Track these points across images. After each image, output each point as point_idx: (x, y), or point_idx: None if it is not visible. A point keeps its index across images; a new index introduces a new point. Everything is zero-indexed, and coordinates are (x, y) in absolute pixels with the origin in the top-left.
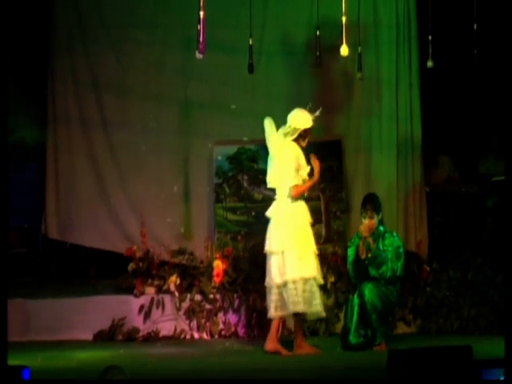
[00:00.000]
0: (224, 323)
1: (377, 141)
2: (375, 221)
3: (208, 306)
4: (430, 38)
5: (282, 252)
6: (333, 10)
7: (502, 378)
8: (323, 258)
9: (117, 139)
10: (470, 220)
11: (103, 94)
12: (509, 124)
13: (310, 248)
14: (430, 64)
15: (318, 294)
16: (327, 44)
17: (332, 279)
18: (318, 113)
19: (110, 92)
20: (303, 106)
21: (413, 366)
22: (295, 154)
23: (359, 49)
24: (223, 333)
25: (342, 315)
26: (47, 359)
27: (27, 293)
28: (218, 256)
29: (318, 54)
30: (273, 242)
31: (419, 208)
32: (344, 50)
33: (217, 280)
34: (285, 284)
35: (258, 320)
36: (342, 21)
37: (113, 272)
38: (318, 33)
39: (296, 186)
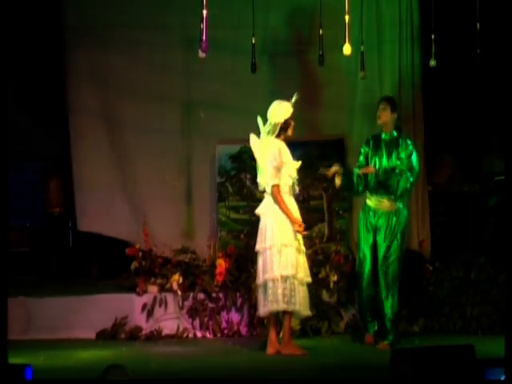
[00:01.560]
0: (227, 322)
1: None
2: (389, 112)
3: (211, 305)
4: (432, 37)
5: (265, 250)
6: (335, 8)
7: (502, 378)
8: (326, 257)
9: (119, 139)
10: (472, 219)
11: (105, 94)
12: (509, 123)
13: (291, 245)
14: (432, 63)
15: (298, 292)
16: (330, 43)
17: (335, 278)
18: (294, 98)
19: (113, 92)
20: (305, 104)
21: (415, 365)
22: (275, 152)
23: (362, 48)
24: (226, 331)
25: (344, 314)
26: (49, 358)
27: (29, 291)
28: (220, 255)
29: (320, 52)
30: (258, 241)
31: (422, 207)
32: (347, 49)
33: (219, 279)
34: (265, 282)
35: (260, 319)
36: (344, 20)
37: (115, 271)
38: (320, 32)
39: (275, 185)
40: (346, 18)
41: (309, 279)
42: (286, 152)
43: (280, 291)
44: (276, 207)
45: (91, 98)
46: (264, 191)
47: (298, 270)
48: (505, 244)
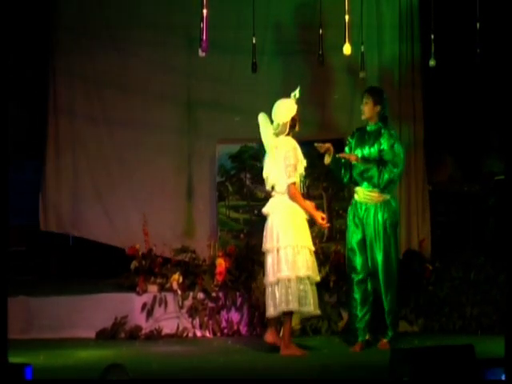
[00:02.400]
0: (226, 321)
1: None
2: (372, 106)
3: (210, 305)
4: (432, 37)
5: (277, 250)
6: (336, 8)
7: (502, 378)
8: (326, 257)
9: (119, 138)
10: (472, 219)
11: (106, 93)
12: (509, 123)
13: (305, 246)
14: (432, 63)
15: (311, 292)
16: (330, 43)
17: (334, 278)
18: (297, 94)
19: (113, 90)
20: (306, 104)
21: (415, 365)
22: (292, 150)
23: (362, 48)
24: (225, 331)
25: (344, 314)
26: (49, 357)
27: (29, 291)
28: (220, 254)
29: (320, 52)
30: (268, 239)
31: (422, 207)
32: (347, 49)
33: (219, 278)
34: (277, 282)
35: (260, 318)
36: (344, 20)
37: (115, 270)
38: (320, 31)
39: (294, 184)
40: (346, 17)
41: (318, 278)
42: (299, 150)
43: (294, 291)
44: (289, 206)
45: (87, 98)
46: (271, 190)
47: (310, 271)
48: (505, 244)
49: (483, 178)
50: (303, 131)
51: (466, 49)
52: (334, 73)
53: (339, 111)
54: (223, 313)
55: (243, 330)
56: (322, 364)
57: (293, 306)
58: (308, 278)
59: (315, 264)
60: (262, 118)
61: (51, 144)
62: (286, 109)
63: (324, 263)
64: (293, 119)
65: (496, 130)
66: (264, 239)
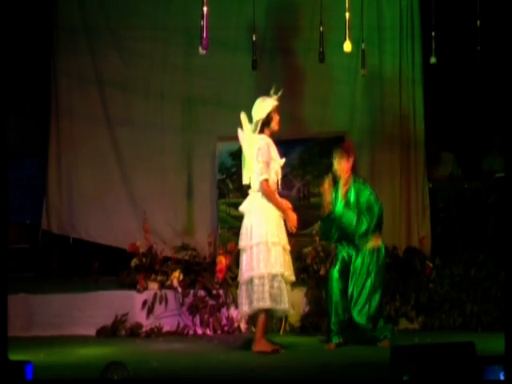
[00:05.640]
0: (227, 319)
1: (380, 137)
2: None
3: (211, 302)
4: (433, 34)
5: (251, 247)
6: (336, 6)
7: (501, 377)
8: (326, 254)
9: (120, 136)
10: (472, 216)
11: (107, 91)
12: (509, 120)
13: (278, 243)
14: (432, 60)
15: (286, 291)
16: (331, 40)
17: None
18: (275, 92)
19: (114, 89)
20: (306, 101)
21: (416, 362)
22: (264, 147)
23: (363, 45)
24: (226, 328)
25: None
26: (50, 354)
27: (30, 288)
28: (221, 252)
29: (321, 50)
30: (243, 237)
31: (422, 204)
32: (347, 47)
33: (220, 276)
34: (251, 280)
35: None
36: (345, 17)
37: (116, 268)
38: (321, 29)
39: (266, 180)
40: (347, 15)
41: (293, 278)
42: (273, 148)
43: (267, 289)
44: (262, 204)
45: (88, 97)
46: (249, 187)
47: (284, 269)
48: (505, 241)
49: (483, 176)
50: (303, 128)
51: (466, 46)
52: (334, 70)
53: (340, 109)
54: (224, 310)
55: (243, 327)
56: (322, 362)
57: (265, 303)
58: (282, 275)
59: (290, 263)
60: (242, 116)
61: (53, 143)
62: (263, 105)
63: (324, 260)
64: (268, 116)
65: (496, 127)
66: (240, 237)
